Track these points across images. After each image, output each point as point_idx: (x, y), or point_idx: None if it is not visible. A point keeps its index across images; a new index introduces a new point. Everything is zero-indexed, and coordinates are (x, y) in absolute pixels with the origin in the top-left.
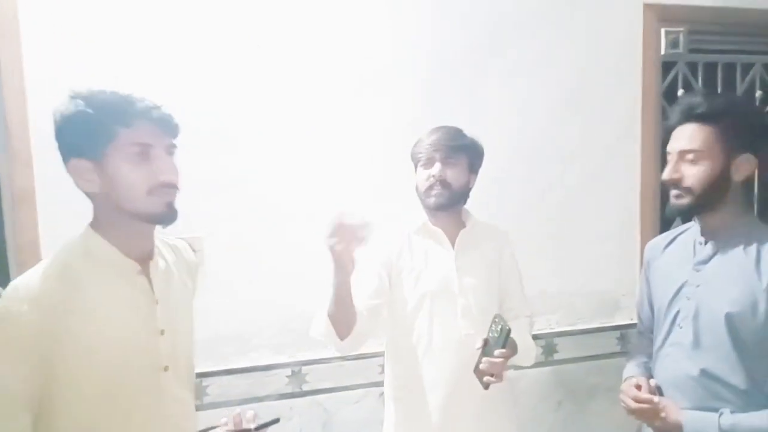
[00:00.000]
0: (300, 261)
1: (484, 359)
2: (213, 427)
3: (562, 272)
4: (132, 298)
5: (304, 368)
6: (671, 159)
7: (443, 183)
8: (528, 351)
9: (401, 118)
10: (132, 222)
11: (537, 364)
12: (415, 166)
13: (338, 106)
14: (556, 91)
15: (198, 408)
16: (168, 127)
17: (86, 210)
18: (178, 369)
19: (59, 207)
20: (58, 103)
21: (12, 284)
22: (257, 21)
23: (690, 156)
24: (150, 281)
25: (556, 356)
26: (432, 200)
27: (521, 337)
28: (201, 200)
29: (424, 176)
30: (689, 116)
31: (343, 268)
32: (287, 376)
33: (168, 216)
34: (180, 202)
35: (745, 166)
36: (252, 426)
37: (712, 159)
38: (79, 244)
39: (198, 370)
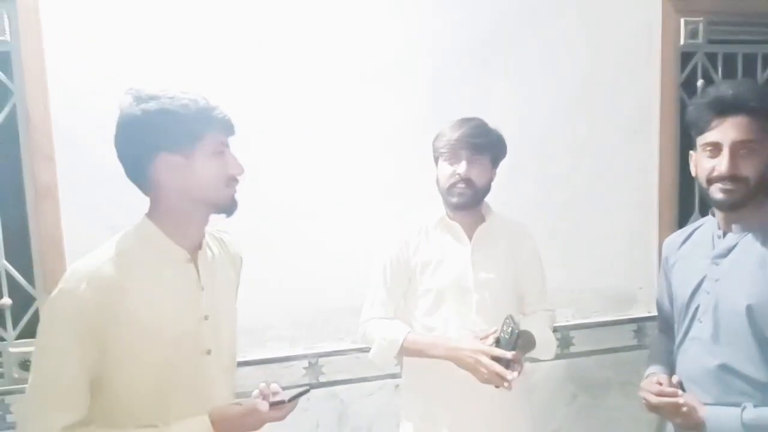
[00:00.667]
0: (315, 255)
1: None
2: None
3: (578, 266)
4: (181, 284)
5: (321, 360)
6: (725, 152)
7: (467, 182)
8: (548, 344)
9: (409, 113)
10: (196, 212)
11: (552, 357)
12: (437, 159)
13: (345, 103)
14: (571, 83)
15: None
16: (232, 130)
17: (107, 204)
18: (221, 353)
19: (81, 201)
20: (143, 100)
21: (72, 266)
22: (263, 17)
23: (745, 147)
24: (197, 269)
25: (572, 349)
26: (455, 199)
27: (540, 330)
28: None
29: (447, 172)
30: (738, 108)
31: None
32: (304, 368)
33: (234, 206)
34: None
35: None
36: (286, 398)
37: (763, 149)
38: (134, 232)
39: None
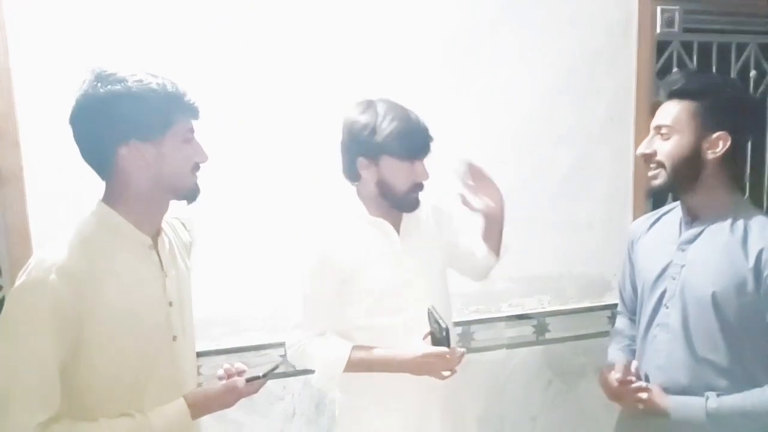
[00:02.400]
0: (294, 243)
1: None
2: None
3: (554, 254)
4: (146, 270)
5: None
6: (649, 135)
7: (423, 184)
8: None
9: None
10: (160, 199)
11: (528, 344)
12: (377, 155)
13: (323, 94)
14: (549, 72)
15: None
16: (198, 115)
17: (75, 191)
18: (185, 339)
19: (47, 187)
20: (107, 82)
21: (37, 256)
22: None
23: (663, 131)
24: (159, 256)
25: (548, 335)
26: (409, 204)
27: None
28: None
29: (404, 174)
30: (669, 93)
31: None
32: (280, 356)
33: (197, 192)
34: None
35: (716, 143)
36: (260, 373)
37: (682, 134)
38: (95, 219)
39: None
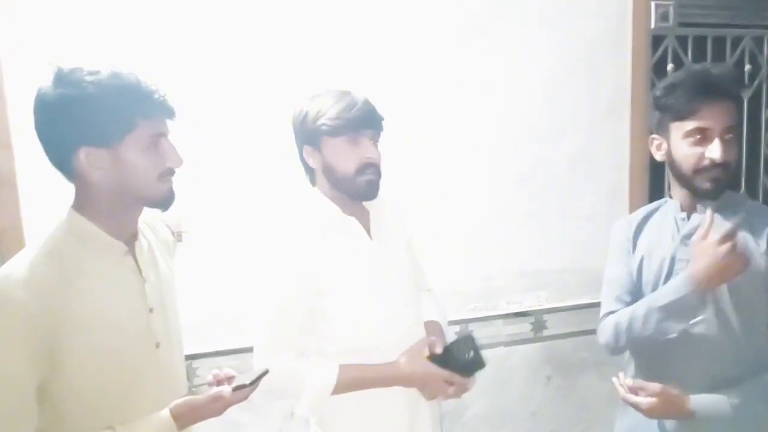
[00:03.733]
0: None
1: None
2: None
3: (552, 249)
4: (122, 278)
5: None
6: (718, 139)
7: (375, 166)
8: (446, 322)
9: (388, 97)
10: (129, 206)
11: (527, 341)
12: (318, 139)
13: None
14: (545, 66)
15: (191, 389)
16: (172, 115)
17: (68, 193)
18: (170, 345)
19: (41, 189)
20: (61, 83)
21: (2, 272)
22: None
23: (731, 133)
24: (136, 261)
25: (546, 332)
26: (365, 187)
27: (439, 314)
28: (193, 181)
29: (352, 155)
30: (725, 93)
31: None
32: None
33: (171, 199)
34: (174, 182)
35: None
36: (247, 381)
37: (739, 135)
38: (64, 228)
39: (188, 351)
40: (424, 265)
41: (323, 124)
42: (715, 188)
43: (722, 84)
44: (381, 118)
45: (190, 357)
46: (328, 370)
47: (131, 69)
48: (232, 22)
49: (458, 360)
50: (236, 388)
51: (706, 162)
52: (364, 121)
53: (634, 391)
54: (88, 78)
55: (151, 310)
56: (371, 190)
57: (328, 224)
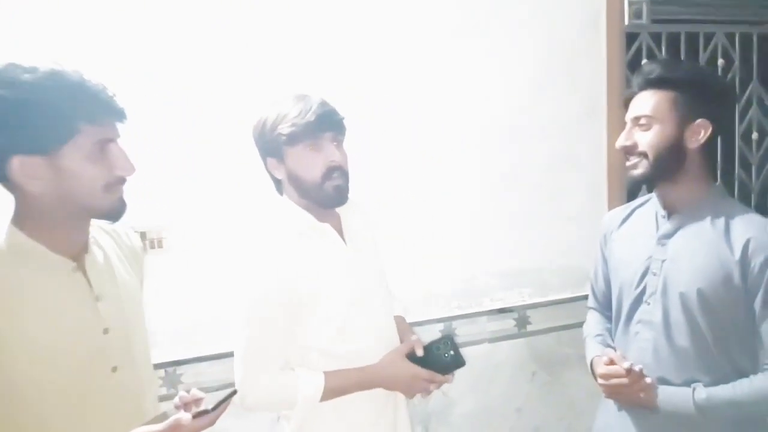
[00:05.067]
0: None
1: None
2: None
3: (534, 247)
4: (69, 297)
5: None
6: (626, 127)
7: (341, 170)
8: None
9: (370, 101)
10: (74, 218)
11: (511, 337)
12: (276, 150)
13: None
14: (522, 68)
15: (173, 396)
16: (122, 118)
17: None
18: (132, 367)
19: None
20: None
21: None
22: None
23: (642, 121)
24: (87, 277)
25: (529, 328)
26: (333, 193)
27: (396, 303)
28: (174, 185)
29: (314, 161)
30: (646, 83)
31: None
32: None
33: (121, 210)
34: (154, 188)
35: (698, 131)
36: (209, 406)
37: (663, 124)
38: (1, 245)
39: (171, 357)
40: (407, 264)
41: (280, 134)
42: (638, 176)
43: (642, 75)
44: (341, 118)
45: (174, 363)
46: (313, 381)
47: (76, 66)
48: (222, 20)
49: (438, 359)
50: (197, 415)
51: (621, 147)
52: (322, 124)
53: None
54: (24, 77)
55: (106, 331)
56: (340, 196)
57: (301, 232)
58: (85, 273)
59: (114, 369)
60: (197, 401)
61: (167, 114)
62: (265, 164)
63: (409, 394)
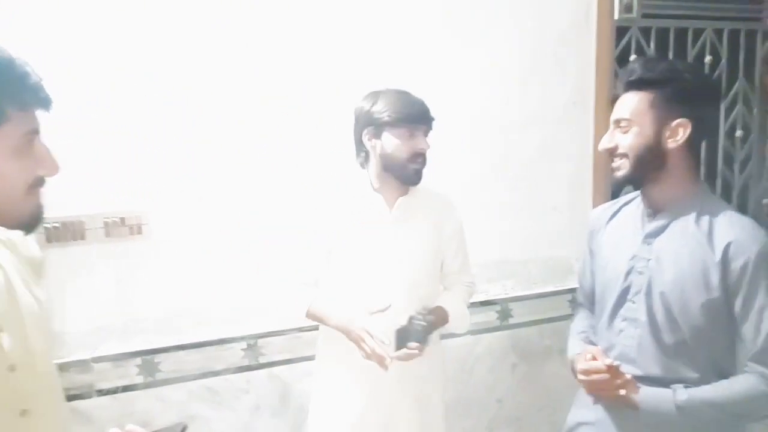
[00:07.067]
0: (254, 234)
1: (403, 349)
2: None
3: (517, 239)
4: None
5: (260, 341)
6: (609, 129)
7: (424, 156)
8: (462, 319)
9: (354, 89)
10: None
11: (493, 329)
12: (377, 128)
13: (284, 84)
14: (511, 59)
15: (150, 385)
16: (48, 106)
17: None
18: (47, 408)
19: None
20: None
21: None
22: None
23: (622, 124)
24: None
25: (512, 321)
26: (413, 175)
27: (456, 305)
28: (154, 170)
29: (405, 146)
30: (627, 85)
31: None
32: (243, 349)
33: (40, 218)
34: (133, 172)
35: (677, 132)
36: None
37: (641, 126)
38: None
39: (150, 346)
40: None
41: (387, 115)
42: (621, 178)
43: (624, 77)
44: (433, 118)
45: (153, 352)
46: (308, 297)
47: (3, 45)
48: (211, 18)
49: (411, 327)
50: None
51: (603, 150)
52: (421, 118)
53: (593, 358)
54: None
55: (12, 368)
56: (417, 177)
57: (355, 195)
58: None
59: (23, 413)
60: None
61: (146, 100)
62: (360, 135)
63: (358, 346)
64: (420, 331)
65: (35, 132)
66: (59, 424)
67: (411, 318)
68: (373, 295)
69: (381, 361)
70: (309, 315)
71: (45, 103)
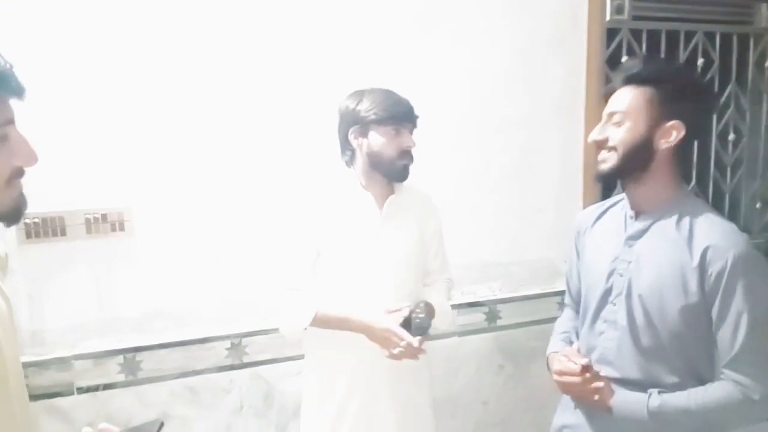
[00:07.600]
0: (239, 233)
1: (403, 343)
2: None
3: (505, 240)
4: None
5: (244, 340)
6: (601, 121)
7: (410, 154)
8: (446, 314)
9: (341, 88)
10: None
11: (480, 330)
12: (363, 127)
13: (274, 74)
14: (500, 59)
15: (132, 383)
16: (22, 95)
17: None
18: (12, 406)
19: None
20: None
21: None
22: None
23: (616, 118)
24: None
25: (499, 322)
26: (400, 172)
27: (439, 301)
28: (137, 166)
29: (392, 143)
30: (626, 79)
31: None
32: (227, 349)
33: (23, 209)
34: (115, 168)
35: (669, 133)
36: None
37: (635, 121)
38: None
39: (131, 344)
40: None
41: (374, 113)
42: (605, 170)
43: (621, 71)
44: (417, 116)
45: (134, 350)
46: (311, 302)
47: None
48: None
49: (413, 321)
50: None
51: (593, 141)
52: (407, 116)
53: (568, 358)
54: None
55: None
56: (405, 173)
57: (343, 193)
58: None
59: None
60: None
61: (130, 94)
62: (346, 134)
63: (384, 345)
64: (421, 325)
65: (10, 122)
66: (25, 424)
67: (411, 313)
68: (363, 293)
69: (415, 354)
70: (319, 321)
71: (17, 91)
